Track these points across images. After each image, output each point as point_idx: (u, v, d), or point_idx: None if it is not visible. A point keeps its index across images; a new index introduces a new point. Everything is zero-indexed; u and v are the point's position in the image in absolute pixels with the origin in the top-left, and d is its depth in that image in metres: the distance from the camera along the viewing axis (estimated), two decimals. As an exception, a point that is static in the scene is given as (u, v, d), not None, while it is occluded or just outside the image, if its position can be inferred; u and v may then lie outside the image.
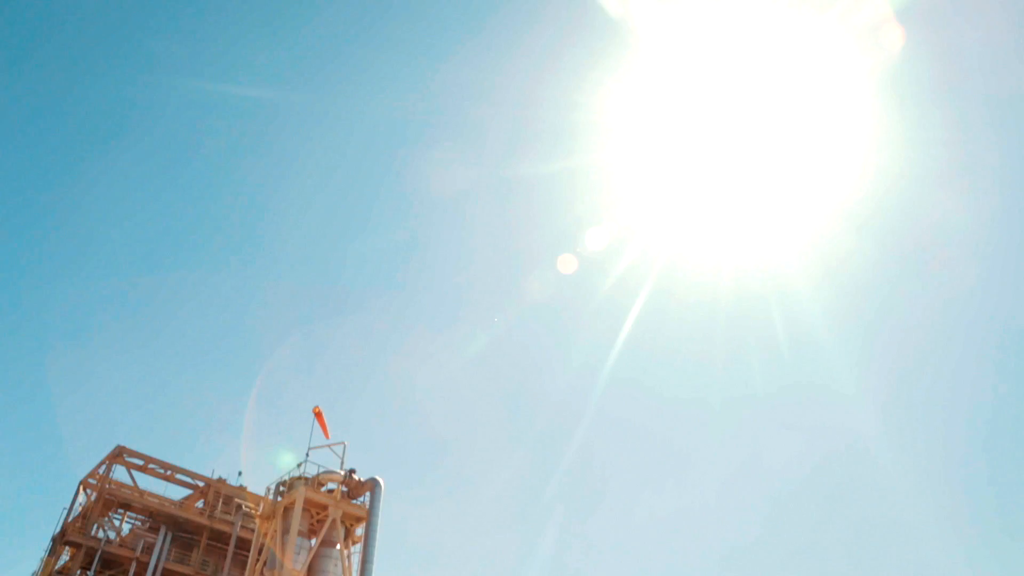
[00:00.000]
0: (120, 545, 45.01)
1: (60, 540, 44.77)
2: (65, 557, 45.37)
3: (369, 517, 40.30)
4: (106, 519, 46.32)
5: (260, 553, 40.74)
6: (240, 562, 44.53)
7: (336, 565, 39.78)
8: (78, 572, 43.63)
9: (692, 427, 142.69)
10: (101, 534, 45.87)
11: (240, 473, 54.06)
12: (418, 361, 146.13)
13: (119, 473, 47.38)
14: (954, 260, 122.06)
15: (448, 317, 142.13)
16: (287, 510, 40.35)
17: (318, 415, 43.82)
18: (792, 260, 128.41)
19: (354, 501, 41.71)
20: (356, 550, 40.88)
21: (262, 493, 47.01)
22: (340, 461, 42.45)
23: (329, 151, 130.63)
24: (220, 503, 47.79)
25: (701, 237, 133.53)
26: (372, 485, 41.35)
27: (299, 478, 41.34)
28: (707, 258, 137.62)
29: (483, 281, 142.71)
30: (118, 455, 47.00)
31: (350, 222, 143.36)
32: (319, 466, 42.03)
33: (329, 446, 43.23)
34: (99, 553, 43.67)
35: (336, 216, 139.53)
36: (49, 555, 44.81)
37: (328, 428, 43.41)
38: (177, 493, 48.92)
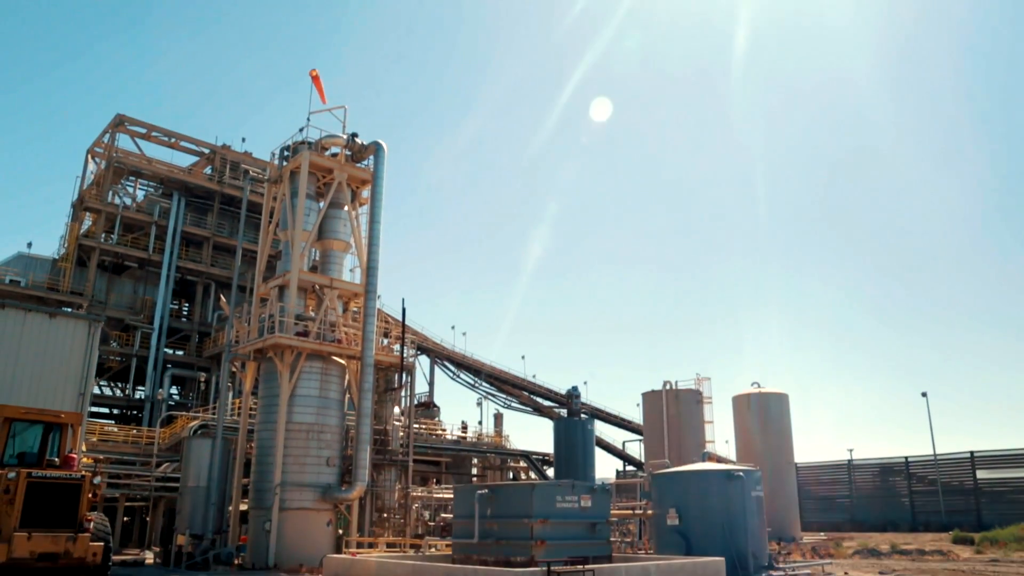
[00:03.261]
0: (137, 211, 46.14)
1: (79, 207, 45.92)
2: (88, 223, 46.90)
3: (374, 179, 40.03)
4: (119, 186, 47.03)
5: (271, 216, 41.47)
6: (253, 224, 45.78)
7: (345, 225, 40.46)
8: (102, 235, 45.33)
9: (710, 101, 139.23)
10: (117, 200, 46.91)
11: (243, 139, 53.77)
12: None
13: (125, 143, 47.18)
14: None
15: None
16: (293, 174, 40.15)
17: (315, 78, 41.85)
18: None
19: (358, 164, 41.39)
20: (363, 211, 41.39)
21: (267, 159, 47.02)
22: (342, 125, 41.32)
23: None
24: (227, 169, 47.96)
25: None
26: (375, 148, 40.56)
27: (302, 142, 40.64)
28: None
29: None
30: (119, 124, 46.34)
31: None
32: (322, 131, 41.09)
33: (329, 110, 41.80)
34: (118, 218, 44.89)
35: None
36: (73, 220, 46.25)
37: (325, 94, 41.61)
38: (183, 161, 48.99)
